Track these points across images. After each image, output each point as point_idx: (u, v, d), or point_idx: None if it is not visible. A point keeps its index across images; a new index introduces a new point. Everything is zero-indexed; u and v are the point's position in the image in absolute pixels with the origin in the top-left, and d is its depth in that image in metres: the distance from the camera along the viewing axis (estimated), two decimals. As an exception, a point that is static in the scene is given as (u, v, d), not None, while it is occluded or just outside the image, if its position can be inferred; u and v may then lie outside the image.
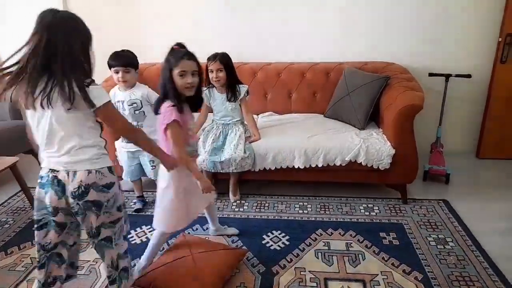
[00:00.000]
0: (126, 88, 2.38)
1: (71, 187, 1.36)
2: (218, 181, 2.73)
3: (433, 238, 2.21)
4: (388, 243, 2.17)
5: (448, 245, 2.15)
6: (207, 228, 2.35)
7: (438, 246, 2.14)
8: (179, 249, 1.93)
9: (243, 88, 2.54)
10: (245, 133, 2.58)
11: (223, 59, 2.43)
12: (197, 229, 2.35)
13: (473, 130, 3.33)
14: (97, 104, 1.30)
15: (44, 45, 1.26)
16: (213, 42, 3.14)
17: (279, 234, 2.28)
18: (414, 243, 2.17)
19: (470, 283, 1.85)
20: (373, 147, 2.45)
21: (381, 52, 3.15)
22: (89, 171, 1.36)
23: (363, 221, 2.41)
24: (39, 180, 1.43)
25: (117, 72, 2.30)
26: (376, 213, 2.49)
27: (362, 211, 2.52)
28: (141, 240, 2.25)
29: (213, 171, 2.53)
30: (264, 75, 3.11)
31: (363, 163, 2.47)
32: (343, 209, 2.54)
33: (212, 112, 2.68)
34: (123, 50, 2.35)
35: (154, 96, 2.35)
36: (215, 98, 2.57)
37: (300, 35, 3.20)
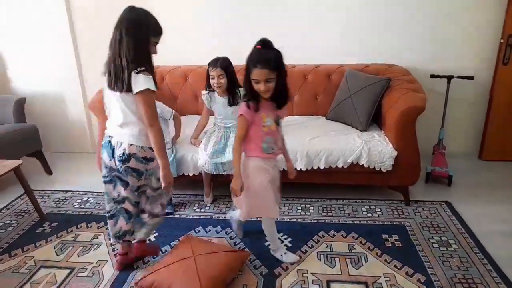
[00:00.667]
0: None
1: (118, 152, 1.72)
2: (221, 183, 2.74)
3: (436, 240, 2.21)
4: (390, 245, 2.17)
5: (451, 247, 2.14)
6: (209, 230, 2.36)
7: (441, 248, 2.13)
8: (182, 251, 1.93)
9: (243, 92, 2.54)
10: (246, 135, 2.59)
11: (224, 65, 2.44)
12: (199, 231, 2.36)
13: (476, 132, 3.32)
14: (134, 89, 1.58)
15: (114, 38, 1.61)
16: (214, 44, 3.17)
17: (282, 236, 2.27)
18: (417, 245, 2.16)
19: (473, 285, 1.84)
20: (375, 149, 2.45)
21: (383, 54, 3.15)
22: (130, 144, 1.70)
23: (365, 223, 2.41)
24: (102, 142, 1.80)
25: None
26: (378, 215, 2.49)
27: (365, 213, 2.52)
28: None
29: (215, 173, 2.53)
30: (266, 77, 3.11)
31: (365, 165, 2.47)
32: (345, 211, 2.54)
33: (213, 114, 2.69)
34: None
35: (166, 111, 2.54)
36: (216, 101, 2.58)
37: (301, 37, 3.20)
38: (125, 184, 1.82)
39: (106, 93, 1.74)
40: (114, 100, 1.68)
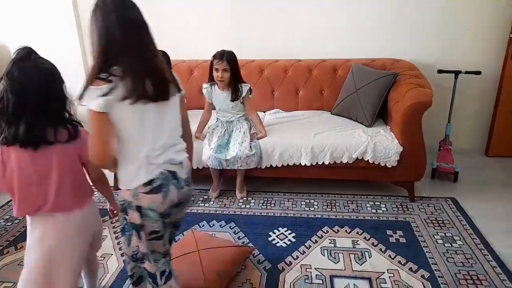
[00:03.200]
0: None
1: (184, 176, 1.38)
2: (225, 178, 2.75)
3: (440, 236, 2.20)
4: (394, 241, 2.17)
5: (456, 243, 2.13)
6: (213, 225, 2.37)
7: (446, 245, 2.12)
8: (186, 245, 1.94)
9: (245, 87, 2.53)
10: (250, 129, 2.58)
11: (230, 59, 2.43)
12: (203, 225, 2.36)
13: (483, 128, 3.29)
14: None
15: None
16: (219, 38, 3.16)
17: (285, 231, 2.28)
18: (421, 241, 2.16)
19: (477, 282, 1.84)
20: (381, 144, 2.44)
21: (389, 48, 3.12)
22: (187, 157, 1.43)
23: (369, 218, 2.40)
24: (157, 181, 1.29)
25: None
26: (383, 210, 2.48)
27: (369, 208, 2.51)
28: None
29: (218, 168, 2.53)
30: (271, 72, 3.10)
31: (370, 161, 2.45)
32: (350, 207, 2.53)
33: (215, 109, 2.68)
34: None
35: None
36: (216, 95, 2.58)
37: (307, 31, 3.18)
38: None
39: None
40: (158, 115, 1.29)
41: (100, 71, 1.18)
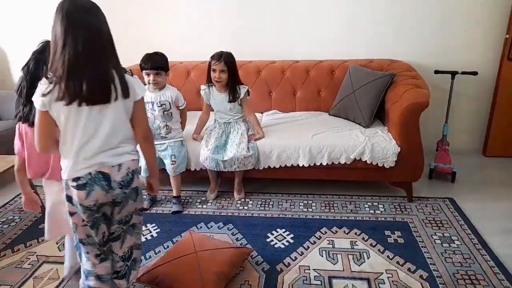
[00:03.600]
0: (156, 89, 2.42)
1: (117, 177, 1.40)
2: (223, 179, 2.74)
3: (438, 236, 2.20)
4: (393, 241, 2.16)
5: (454, 243, 2.13)
6: (211, 226, 2.36)
7: (444, 245, 2.12)
8: (184, 247, 1.93)
9: (243, 89, 2.53)
10: (248, 131, 2.58)
11: (228, 60, 2.43)
12: (201, 227, 2.36)
13: (480, 128, 3.30)
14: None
15: None
16: (217, 39, 3.15)
17: (284, 232, 2.27)
18: (420, 241, 2.16)
19: (475, 282, 1.84)
20: (378, 145, 2.44)
21: (386, 49, 3.13)
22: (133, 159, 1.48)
23: (368, 219, 2.40)
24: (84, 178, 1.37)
25: (148, 75, 2.36)
26: (381, 211, 2.48)
27: (367, 209, 2.51)
28: (146, 238, 2.25)
29: (215, 169, 2.53)
30: (268, 73, 3.10)
31: (368, 161, 2.45)
32: (348, 208, 2.53)
33: (213, 110, 2.68)
34: (156, 53, 2.39)
35: (182, 99, 2.47)
36: (214, 97, 2.57)
37: (304, 32, 3.18)
38: (109, 221, 1.47)
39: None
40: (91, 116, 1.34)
41: (50, 69, 1.28)
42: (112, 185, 1.37)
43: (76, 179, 1.34)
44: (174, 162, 2.48)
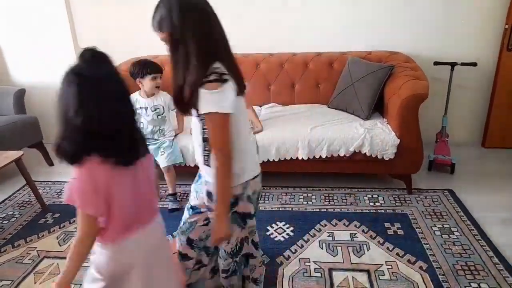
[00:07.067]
0: (151, 94, 2.47)
1: None
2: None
3: (438, 228, 2.20)
4: (392, 233, 2.17)
5: (453, 234, 2.14)
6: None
7: (443, 236, 2.13)
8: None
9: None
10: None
11: None
12: (201, 221, 2.36)
13: (479, 119, 3.29)
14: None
15: None
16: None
17: (284, 225, 2.28)
18: (419, 233, 2.16)
19: (475, 272, 1.85)
20: (378, 137, 2.44)
21: (385, 41, 3.11)
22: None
23: (367, 211, 2.40)
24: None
25: (155, 78, 2.42)
26: (380, 203, 2.48)
27: (367, 201, 2.51)
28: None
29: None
30: (267, 66, 3.09)
31: (367, 154, 2.45)
32: (348, 200, 2.54)
33: None
34: (146, 59, 2.47)
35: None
36: None
37: (302, 25, 3.16)
38: None
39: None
40: None
41: (203, 71, 1.15)
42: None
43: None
44: (163, 153, 2.48)
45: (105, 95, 1.03)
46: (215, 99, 1.14)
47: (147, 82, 2.42)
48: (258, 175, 1.42)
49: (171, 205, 2.53)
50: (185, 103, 1.21)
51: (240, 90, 1.25)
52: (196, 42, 1.16)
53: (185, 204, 2.55)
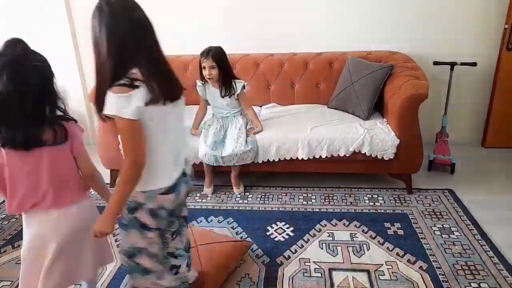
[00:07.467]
0: None
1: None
2: (221, 173, 2.73)
3: (438, 227, 2.20)
4: (392, 233, 2.17)
5: (453, 234, 2.14)
6: (211, 220, 2.36)
7: (443, 236, 2.13)
8: (183, 241, 1.94)
9: (239, 84, 2.50)
10: (246, 125, 2.57)
11: (216, 56, 2.39)
12: (201, 221, 2.36)
13: (479, 119, 3.29)
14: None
15: None
16: (214, 32, 3.13)
17: (284, 225, 2.28)
18: (419, 232, 2.16)
19: (475, 272, 1.85)
20: (378, 137, 2.44)
21: (385, 41, 3.11)
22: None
23: (367, 211, 2.40)
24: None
25: None
26: (380, 203, 2.48)
27: (367, 201, 2.51)
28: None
29: (215, 164, 2.52)
30: (266, 66, 3.08)
31: (367, 154, 2.45)
32: (348, 200, 2.54)
33: (210, 105, 2.67)
34: None
35: None
36: (210, 93, 2.56)
37: (302, 25, 3.16)
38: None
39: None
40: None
41: (116, 75, 1.17)
42: (188, 179, 1.39)
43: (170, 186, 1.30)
44: None
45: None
46: (117, 102, 1.14)
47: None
48: (171, 193, 1.31)
49: None
50: (100, 103, 1.20)
51: (168, 98, 1.23)
52: (110, 49, 1.20)
53: (186, 202, 2.56)
